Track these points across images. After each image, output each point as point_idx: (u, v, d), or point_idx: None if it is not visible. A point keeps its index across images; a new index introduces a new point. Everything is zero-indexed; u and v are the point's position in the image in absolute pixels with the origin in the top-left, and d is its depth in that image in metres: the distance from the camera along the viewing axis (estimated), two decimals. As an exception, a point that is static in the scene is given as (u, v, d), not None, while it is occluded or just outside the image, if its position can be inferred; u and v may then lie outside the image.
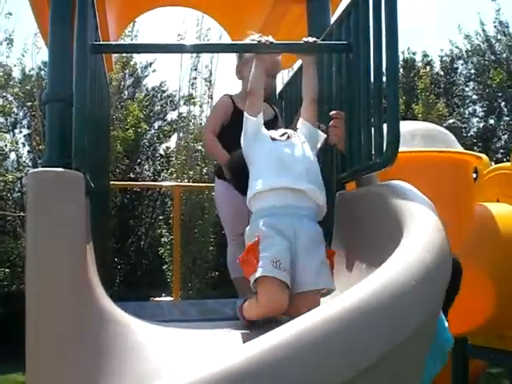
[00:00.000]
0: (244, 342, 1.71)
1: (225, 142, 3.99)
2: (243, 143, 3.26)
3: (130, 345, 2.59)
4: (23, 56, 14.91)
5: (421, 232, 2.24)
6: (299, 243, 2.91)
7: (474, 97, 20.42)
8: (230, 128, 4.01)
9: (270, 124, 3.76)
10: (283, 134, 3.26)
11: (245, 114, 3.30)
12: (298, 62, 4.26)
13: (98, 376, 2.37)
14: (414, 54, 20.51)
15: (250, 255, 2.88)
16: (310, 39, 3.46)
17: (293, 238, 2.91)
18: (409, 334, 1.82)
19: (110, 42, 5.02)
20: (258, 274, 2.79)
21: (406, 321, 1.84)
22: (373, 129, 3.14)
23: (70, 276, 2.56)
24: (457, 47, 20.35)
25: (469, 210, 6.00)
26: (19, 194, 15.96)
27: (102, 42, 3.75)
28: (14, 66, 15.73)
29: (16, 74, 16.49)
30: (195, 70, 14.66)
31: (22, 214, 14.14)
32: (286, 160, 3.09)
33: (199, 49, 3.43)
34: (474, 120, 20.32)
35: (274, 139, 3.22)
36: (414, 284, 1.90)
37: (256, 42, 3.32)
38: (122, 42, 13.10)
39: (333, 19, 4.12)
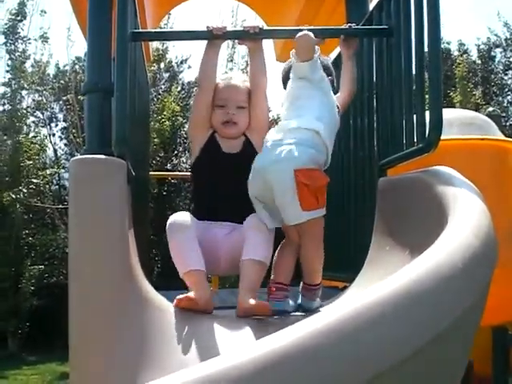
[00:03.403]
0: (281, 329, 1.71)
1: None
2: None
3: (171, 332, 2.63)
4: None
5: (467, 216, 2.22)
6: None
7: (513, 85, 20.24)
8: None
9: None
10: None
11: None
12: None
13: (139, 360, 2.40)
14: (448, 43, 20.36)
15: (323, 190, 3.09)
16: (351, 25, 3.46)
17: None
18: (457, 318, 1.81)
19: (150, 30, 5.03)
20: (323, 213, 3.09)
21: (455, 304, 1.83)
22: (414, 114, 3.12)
23: (113, 261, 2.59)
24: (495, 35, 20.14)
25: (510, 197, 5.92)
26: (57, 187, 16.13)
27: (141, 30, 3.76)
28: (47, 62, 15.86)
29: (50, 69, 16.68)
30: (231, 61, 14.75)
31: (60, 206, 14.30)
32: None
33: (242, 35, 3.39)
34: (514, 109, 20.13)
35: None
36: (461, 267, 1.88)
37: (296, 28, 3.32)
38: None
39: (371, 4, 4.09)
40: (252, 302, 2.94)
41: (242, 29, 3.37)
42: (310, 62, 3.20)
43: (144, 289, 2.76)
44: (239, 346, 2.52)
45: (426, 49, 3.03)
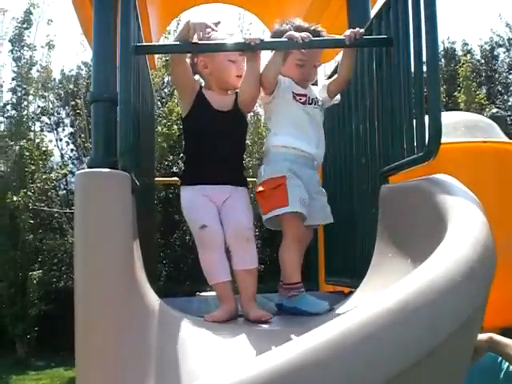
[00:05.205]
0: (287, 340, 1.71)
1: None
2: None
3: (175, 343, 2.64)
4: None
5: (466, 228, 2.22)
6: (309, 186, 3.47)
7: (518, 85, 20.26)
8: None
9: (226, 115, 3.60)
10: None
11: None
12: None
13: (144, 373, 2.41)
14: (453, 43, 20.38)
15: (279, 190, 3.33)
16: (353, 31, 3.43)
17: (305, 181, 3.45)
18: (455, 330, 1.82)
19: (153, 43, 5.07)
20: (289, 209, 3.30)
21: (452, 317, 1.83)
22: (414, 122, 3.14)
23: (117, 274, 2.61)
24: (498, 35, 20.18)
25: (512, 197, 5.94)
26: (64, 191, 16.17)
27: (144, 43, 3.78)
28: (50, 69, 15.90)
29: (56, 75, 16.75)
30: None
31: (67, 210, 14.33)
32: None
33: (241, 47, 3.42)
34: (519, 107, 20.13)
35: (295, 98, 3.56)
36: (460, 280, 1.89)
37: (295, 40, 3.33)
38: (163, 40, 13.22)
39: (373, 11, 4.12)
40: (257, 311, 3.26)
41: (243, 40, 3.38)
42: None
43: (149, 300, 2.78)
44: (249, 354, 2.56)
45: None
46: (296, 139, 3.49)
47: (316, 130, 3.61)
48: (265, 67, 3.47)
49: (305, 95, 3.57)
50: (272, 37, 3.64)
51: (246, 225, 3.40)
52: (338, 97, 3.79)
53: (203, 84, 3.67)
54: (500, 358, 3.29)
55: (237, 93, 3.60)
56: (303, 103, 3.55)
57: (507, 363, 3.27)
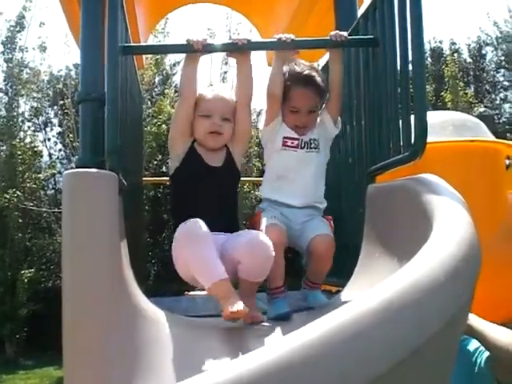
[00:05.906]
0: (274, 338, 1.70)
1: None
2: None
3: (163, 342, 2.64)
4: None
5: (450, 227, 2.23)
6: (294, 216, 3.52)
7: (506, 83, 20.33)
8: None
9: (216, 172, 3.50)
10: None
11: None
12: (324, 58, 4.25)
13: (132, 372, 2.40)
14: (440, 42, 20.46)
15: (257, 221, 3.40)
16: (338, 33, 3.44)
17: (289, 217, 3.50)
18: (440, 329, 1.83)
19: (140, 44, 5.08)
20: (262, 227, 3.30)
21: (438, 316, 1.84)
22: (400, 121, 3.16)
23: (104, 273, 2.60)
24: (486, 34, 20.29)
25: (501, 198, 5.97)
26: (53, 190, 16.13)
27: (132, 44, 3.78)
28: (44, 71, 15.88)
29: (46, 75, 16.72)
30: (226, 64, 14.80)
31: (56, 210, 14.29)
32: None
33: (229, 47, 3.43)
34: (506, 106, 20.22)
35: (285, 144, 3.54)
36: (444, 279, 1.90)
37: (280, 40, 3.34)
38: (153, 39, 13.22)
39: (360, 11, 4.14)
40: (250, 312, 2.98)
41: (230, 41, 3.40)
42: None
43: (136, 300, 2.78)
44: (238, 354, 2.56)
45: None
46: (279, 193, 3.53)
47: (307, 176, 3.54)
48: (269, 80, 3.45)
49: (297, 139, 3.50)
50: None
51: (266, 240, 3.08)
52: (339, 121, 3.65)
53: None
54: (475, 355, 3.31)
55: (227, 147, 3.52)
56: (295, 147, 3.50)
57: (480, 358, 3.28)
